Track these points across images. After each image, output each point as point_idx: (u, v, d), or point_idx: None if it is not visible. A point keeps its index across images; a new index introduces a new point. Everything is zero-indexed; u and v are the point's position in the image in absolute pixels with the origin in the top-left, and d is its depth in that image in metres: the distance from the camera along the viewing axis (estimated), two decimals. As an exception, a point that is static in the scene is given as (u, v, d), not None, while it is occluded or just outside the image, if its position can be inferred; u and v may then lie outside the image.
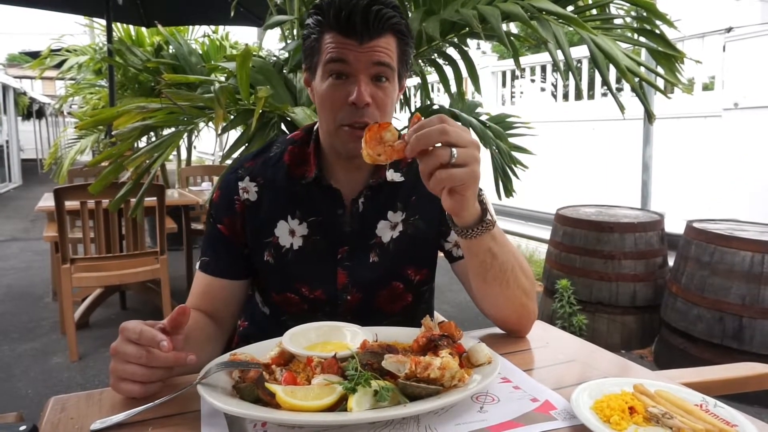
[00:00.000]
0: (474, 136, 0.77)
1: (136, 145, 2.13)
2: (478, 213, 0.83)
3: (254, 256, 1.06)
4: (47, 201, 3.37)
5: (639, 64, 1.68)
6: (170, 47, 4.69)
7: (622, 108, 1.68)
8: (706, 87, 5.41)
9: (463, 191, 0.78)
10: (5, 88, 11.99)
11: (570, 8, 1.85)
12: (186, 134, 2.23)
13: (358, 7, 0.90)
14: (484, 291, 0.94)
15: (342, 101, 0.92)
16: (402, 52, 0.97)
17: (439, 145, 0.73)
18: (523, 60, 7.13)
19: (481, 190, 0.83)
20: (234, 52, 4.81)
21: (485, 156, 2.31)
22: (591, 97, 6.79)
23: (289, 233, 1.04)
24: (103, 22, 4.57)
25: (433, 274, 1.13)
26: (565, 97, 7.53)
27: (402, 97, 2.50)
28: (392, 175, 1.05)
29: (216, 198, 1.08)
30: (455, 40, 2.08)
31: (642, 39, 1.83)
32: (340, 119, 0.94)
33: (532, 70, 7.45)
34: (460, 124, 0.77)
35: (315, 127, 1.08)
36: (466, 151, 0.74)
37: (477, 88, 2.10)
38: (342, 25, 0.91)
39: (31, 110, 15.07)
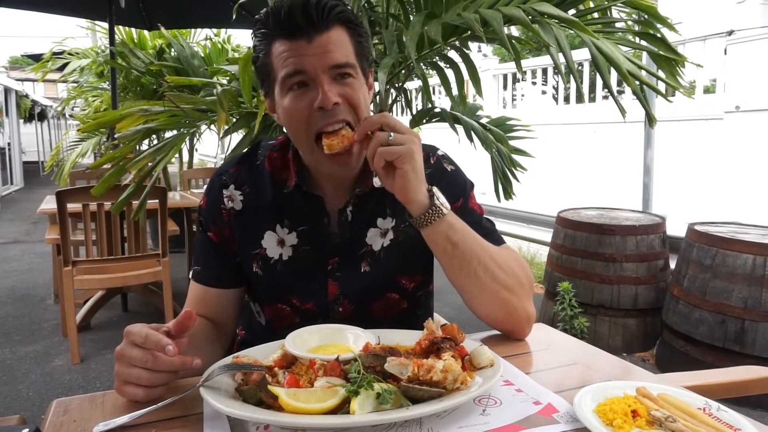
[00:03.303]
0: (414, 130, 0.88)
1: (137, 147, 2.14)
2: (426, 200, 0.88)
3: (244, 265, 1.04)
4: (49, 203, 3.37)
5: (640, 67, 1.69)
6: (172, 50, 4.71)
7: (623, 111, 1.68)
8: (708, 90, 5.41)
9: (401, 164, 0.84)
10: (7, 90, 12.01)
11: (571, 12, 1.85)
12: (188, 137, 2.23)
13: (296, 2, 0.86)
14: (457, 283, 0.94)
15: (308, 109, 0.88)
16: (357, 44, 0.93)
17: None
18: (524, 63, 7.13)
19: (432, 187, 0.89)
20: (236, 55, 4.82)
21: (486, 159, 2.33)
22: (592, 100, 6.79)
23: (278, 243, 1.02)
24: (105, 25, 4.58)
25: (428, 279, 1.12)
26: (566, 99, 7.53)
27: (404, 99, 2.51)
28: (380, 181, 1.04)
29: (204, 204, 1.06)
30: (457, 43, 2.08)
31: (643, 42, 1.83)
32: (313, 127, 0.89)
33: (534, 73, 7.45)
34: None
35: None
36: (402, 136, 0.85)
37: (478, 91, 2.10)
38: (285, 26, 0.87)
39: (33, 113, 15.10)
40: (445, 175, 1.06)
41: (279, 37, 0.89)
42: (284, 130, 0.99)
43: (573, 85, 6.57)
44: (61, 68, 6.15)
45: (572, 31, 1.72)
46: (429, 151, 1.08)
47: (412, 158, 0.84)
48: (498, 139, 2.29)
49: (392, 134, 0.84)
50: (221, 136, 1.90)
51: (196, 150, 7.54)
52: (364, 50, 0.94)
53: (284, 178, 1.02)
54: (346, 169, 0.96)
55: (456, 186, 1.05)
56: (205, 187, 1.11)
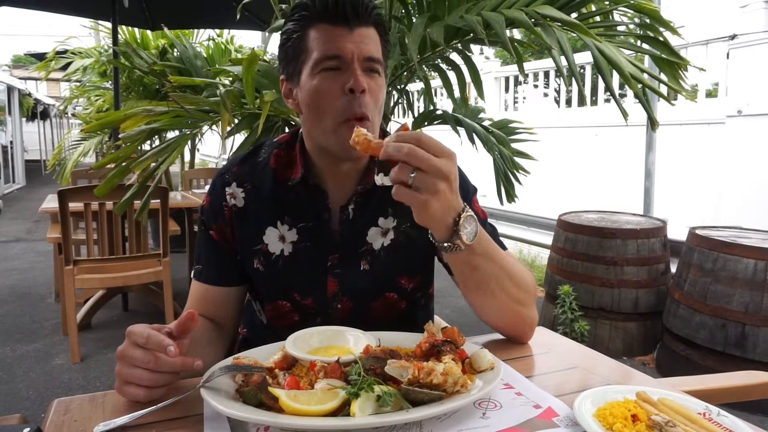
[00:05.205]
0: (447, 165, 0.75)
1: (140, 148, 2.15)
2: (447, 233, 0.80)
3: (245, 262, 1.05)
4: (51, 202, 3.38)
5: (642, 70, 1.69)
6: (175, 50, 4.72)
7: (625, 114, 1.68)
8: (710, 94, 5.41)
9: (416, 212, 0.77)
10: (10, 89, 12.05)
11: (574, 15, 1.85)
12: (190, 137, 2.25)
13: None
14: (471, 299, 0.94)
15: (338, 91, 0.90)
16: (384, 47, 0.97)
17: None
18: (526, 66, 7.15)
19: (466, 208, 0.80)
20: (239, 56, 4.83)
21: (487, 161, 2.33)
22: (594, 103, 6.79)
23: (279, 239, 1.02)
24: (109, 24, 4.59)
25: (427, 280, 1.12)
26: (568, 102, 7.53)
27: (406, 101, 2.51)
28: (382, 179, 1.04)
29: (206, 203, 1.07)
30: (459, 45, 2.09)
31: (645, 46, 1.83)
32: (339, 113, 0.90)
33: (535, 75, 7.46)
34: (438, 143, 0.76)
35: (300, 129, 1.06)
36: (425, 178, 0.73)
37: (480, 94, 2.10)
38: (331, 12, 0.91)
39: (36, 111, 15.14)
40: None
41: (320, 22, 0.92)
42: (286, 130, 1.00)
43: (575, 88, 6.57)
44: (64, 67, 6.17)
45: (574, 34, 1.72)
46: None
47: (424, 210, 0.76)
48: (500, 141, 2.30)
49: (413, 175, 0.73)
50: (224, 136, 1.90)
51: (198, 150, 7.55)
52: (386, 53, 0.98)
53: (288, 175, 1.03)
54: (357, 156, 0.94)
55: (460, 189, 1.05)
56: (206, 187, 1.12)
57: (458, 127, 2.29)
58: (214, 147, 12.29)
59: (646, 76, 1.69)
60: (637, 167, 4.54)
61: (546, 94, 8.27)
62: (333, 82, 0.91)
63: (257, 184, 1.04)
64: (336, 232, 1.02)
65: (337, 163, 0.99)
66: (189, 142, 5.90)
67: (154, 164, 1.97)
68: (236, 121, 2.07)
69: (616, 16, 2.00)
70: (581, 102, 6.72)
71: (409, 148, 0.72)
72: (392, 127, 2.45)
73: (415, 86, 6.81)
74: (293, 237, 1.02)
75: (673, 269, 3.04)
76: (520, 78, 7.69)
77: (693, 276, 2.70)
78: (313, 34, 0.92)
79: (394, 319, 1.06)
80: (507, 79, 7.95)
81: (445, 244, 0.81)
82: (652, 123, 1.76)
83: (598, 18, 1.95)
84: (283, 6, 2.31)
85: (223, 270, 1.06)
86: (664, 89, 1.80)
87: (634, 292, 3.04)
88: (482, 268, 0.87)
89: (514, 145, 2.42)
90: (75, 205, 2.77)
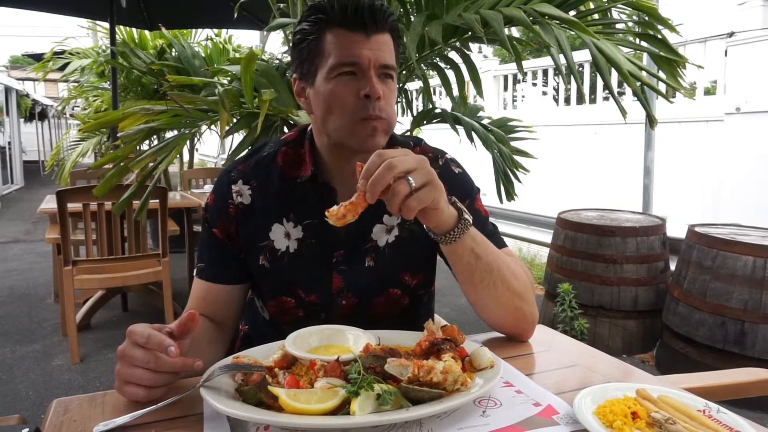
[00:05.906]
0: (415, 155, 0.79)
1: (138, 148, 2.14)
2: (454, 215, 0.86)
3: (249, 259, 1.05)
4: (49, 203, 3.37)
5: (641, 68, 1.69)
6: (173, 50, 4.71)
7: (623, 112, 1.68)
8: (708, 91, 5.41)
9: (436, 205, 0.81)
10: (8, 90, 12.02)
11: (572, 13, 1.85)
12: (189, 137, 2.24)
13: (364, 1, 0.92)
14: (475, 295, 0.94)
15: (354, 96, 0.92)
16: (396, 52, 0.99)
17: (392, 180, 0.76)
18: (525, 64, 7.14)
19: (452, 197, 0.86)
20: (237, 55, 4.83)
21: (486, 160, 2.33)
22: (593, 101, 6.80)
23: (285, 236, 1.03)
24: (106, 24, 4.58)
25: (430, 278, 1.13)
26: (567, 101, 7.54)
27: (405, 100, 2.51)
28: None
29: (211, 202, 1.07)
30: (457, 44, 2.08)
31: (644, 43, 1.83)
32: (355, 113, 0.92)
33: (534, 74, 7.46)
34: (393, 149, 0.80)
35: (309, 128, 1.07)
36: (419, 173, 0.77)
37: (479, 92, 2.10)
38: (350, 19, 0.92)
39: (34, 112, 15.11)
40: (453, 177, 1.08)
41: (338, 27, 0.93)
42: (285, 130, 1.00)
43: (573, 86, 6.57)
44: (62, 68, 6.16)
45: (573, 32, 1.71)
46: (437, 153, 1.10)
47: (443, 193, 0.81)
48: (499, 140, 2.29)
49: (411, 179, 0.76)
50: (223, 136, 1.90)
51: (197, 150, 7.55)
52: (398, 59, 1.00)
53: (296, 172, 1.04)
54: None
55: (464, 187, 1.07)
56: (205, 187, 1.12)
57: (457, 126, 2.29)
58: (212, 147, 12.28)
59: (644, 73, 1.69)
60: (636, 165, 4.54)
61: (545, 93, 8.27)
62: (349, 87, 0.92)
63: (263, 181, 1.05)
64: (341, 229, 1.02)
65: (349, 159, 0.99)
66: (188, 142, 5.90)
67: (152, 164, 1.97)
68: (235, 120, 2.06)
69: (615, 14, 2.00)
70: (580, 100, 6.72)
71: (389, 163, 0.75)
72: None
73: (414, 85, 6.81)
74: (298, 234, 1.03)
75: (673, 267, 3.04)
76: (519, 76, 7.68)
77: (692, 274, 2.71)
78: (330, 38, 0.93)
79: (396, 316, 1.07)
80: (506, 77, 7.95)
81: (456, 228, 0.85)
82: (651, 121, 1.76)
83: (596, 16, 1.94)
84: (281, 5, 2.30)
85: (225, 268, 1.06)
86: (662, 87, 1.80)
87: (633, 290, 3.04)
88: (484, 254, 0.89)
89: (513, 144, 2.42)
90: (74, 206, 2.76)
